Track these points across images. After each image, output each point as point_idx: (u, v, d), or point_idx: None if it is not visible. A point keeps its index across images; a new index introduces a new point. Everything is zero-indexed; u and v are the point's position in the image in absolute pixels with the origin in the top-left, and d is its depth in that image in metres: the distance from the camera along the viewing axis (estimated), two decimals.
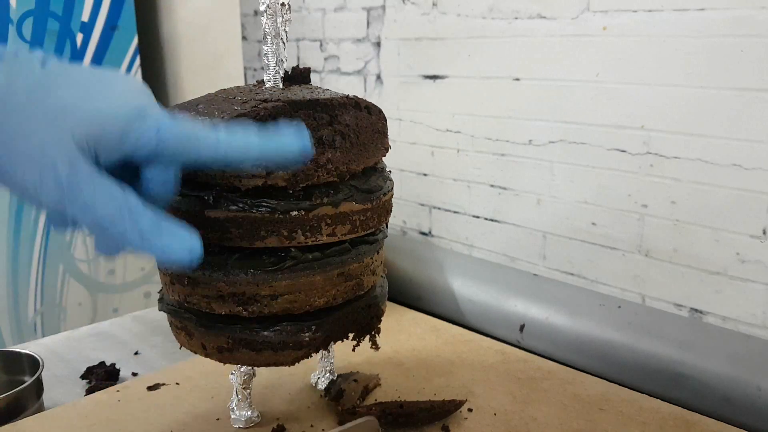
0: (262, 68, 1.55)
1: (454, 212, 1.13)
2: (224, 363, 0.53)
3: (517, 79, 0.98)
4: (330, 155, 0.49)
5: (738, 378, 0.70)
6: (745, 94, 0.75)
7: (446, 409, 0.59)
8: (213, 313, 0.51)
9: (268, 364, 0.53)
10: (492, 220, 1.07)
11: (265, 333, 0.50)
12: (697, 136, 0.80)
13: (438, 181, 1.15)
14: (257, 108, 0.48)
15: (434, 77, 1.11)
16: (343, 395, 0.62)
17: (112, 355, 0.82)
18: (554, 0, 0.92)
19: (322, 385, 0.66)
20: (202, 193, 0.48)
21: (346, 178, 0.51)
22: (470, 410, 0.60)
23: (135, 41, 1.68)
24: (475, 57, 1.04)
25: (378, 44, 1.20)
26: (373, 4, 1.19)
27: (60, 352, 0.84)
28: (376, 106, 0.57)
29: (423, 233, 1.20)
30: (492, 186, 1.06)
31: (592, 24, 0.88)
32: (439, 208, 1.16)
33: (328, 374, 0.66)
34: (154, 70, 1.88)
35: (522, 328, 0.88)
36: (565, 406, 0.61)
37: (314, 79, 1.37)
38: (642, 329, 0.80)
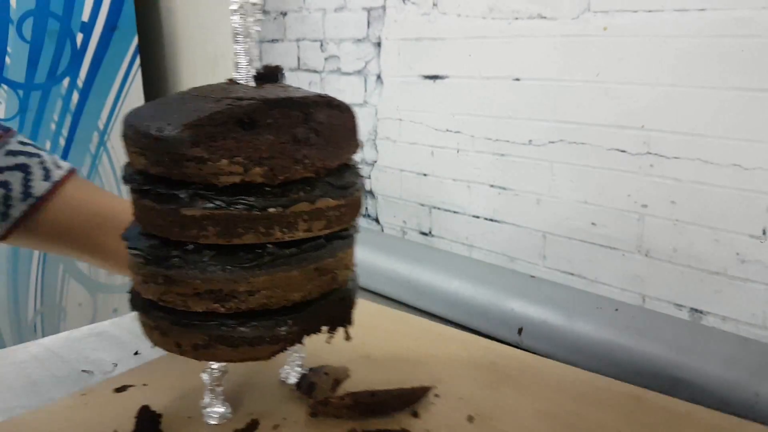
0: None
1: (454, 212, 1.13)
2: (199, 360, 0.53)
3: (517, 79, 0.98)
4: (306, 151, 0.50)
5: (736, 382, 0.70)
6: (746, 94, 0.76)
7: (415, 396, 0.61)
8: (189, 311, 0.51)
9: (244, 359, 0.53)
10: (492, 220, 1.07)
11: (242, 329, 0.51)
12: (698, 136, 0.80)
13: (438, 181, 1.15)
14: (233, 106, 0.48)
15: (434, 77, 1.11)
16: (314, 388, 0.63)
17: (112, 355, 0.82)
18: (554, 0, 0.92)
19: (292, 379, 0.66)
20: (177, 191, 0.48)
21: (321, 175, 0.52)
22: (437, 396, 0.62)
23: (135, 41, 1.68)
24: (475, 57, 1.04)
25: (378, 44, 1.20)
26: (374, 5, 1.19)
27: (60, 352, 0.84)
28: (346, 104, 0.58)
29: (423, 233, 1.20)
30: (492, 186, 1.06)
31: (593, 24, 0.88)
32: (438, 208, 1.16)
33: (298, 368, 0.67)
34: (155, 71, 1.88)
35: (520, 331, 0.88)
36: (528, 389, 0.62)
37: (314, 78, 1.37)
38: (639, 332, 0.80)
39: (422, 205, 1.19)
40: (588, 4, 0.88)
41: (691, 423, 0.56)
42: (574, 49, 0.90)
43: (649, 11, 0.82)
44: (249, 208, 0.48)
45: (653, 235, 0.86)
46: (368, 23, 1.21)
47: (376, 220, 1.29)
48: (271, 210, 0.48)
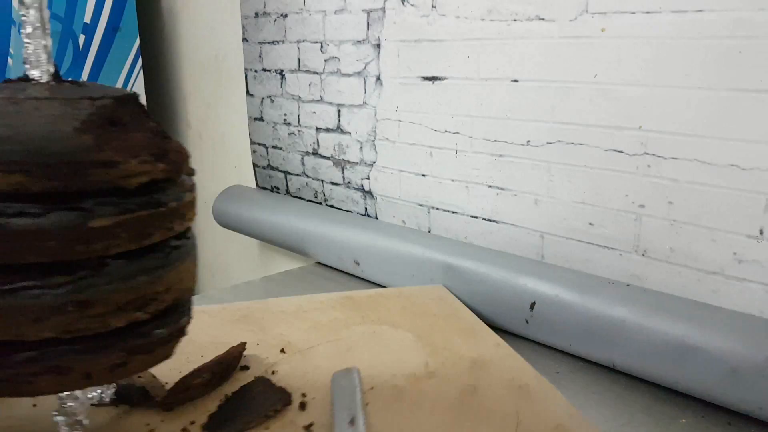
0: (264, 70, 1.54)
1: (453, 212, 1.14)
2: (116, 381, 0.50)
3: (516, 81, 0.99)
4: (175, 144, 0.49)
5: (745, 349, 0.70)
6: (743, 95, 0.76)
7: (240, 352, 0.69)
8: (102, 332, 0.46)
9: (157, 363, 0.51)
10: (490, 220, 1.07)
11: (158, 331, 0.49)
12: (695, 137, 0.81)
13: (436, 182, 1.15)
14: (98, 105, 0.45)
15: (433, 78, 1.11)
16: (146, 391, 0.62)
17: None
18: (553, 2, 0.92)
19: (108, 398, 0.63)
20: (79, 203, 0.43)
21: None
22: (245, 350, 0.72)
23: (137, 43, 1.69)
24: (473, 58, 1.04)
25: (378, 46, 1.21)
26: (373, 6, 1.19)
27: None
28: None
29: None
30: (490, 186, 1.06)
31: (591, 25, 0.88)
32: (437, 209, 1.16)
33: (109, 386, 0.63)
34: (156, 72, 1.88)
35: (533, 306, 0.89)
36: (303, 320, 0.84)
37: (314, 80, 1.38)
38: (650, 304, 0.80)
39: (421, 205, 1.19)
40: (586, 5, 0.88)
41: (381, 298, 0.92)
42: (572, 50, 0.91)
43: (647, 12, 0.82)
44: (157, 206, 0.46)
45: (650, 235, 0.87)
46: (368, 25, 1.21)
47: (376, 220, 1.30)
48: (173, 204, 0.47)
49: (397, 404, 0.64)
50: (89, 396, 0.61)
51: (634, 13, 0.83)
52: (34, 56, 0.47)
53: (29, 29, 0.47)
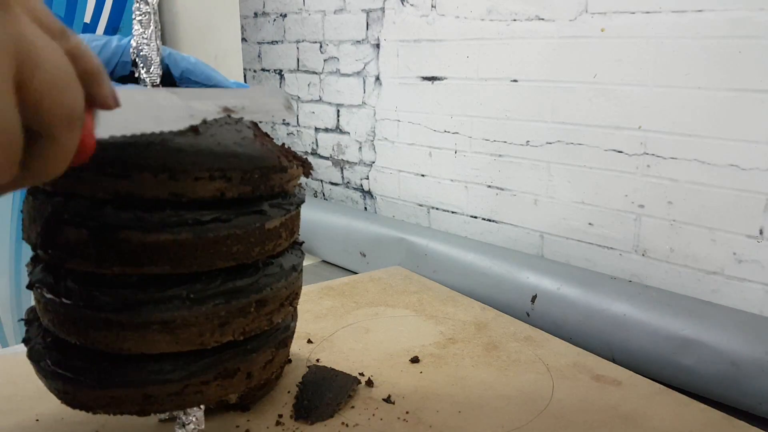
0: (263, 70, 1.55)
1: (452, 212, 1.14)
2: (266, 377, 0.49)
3: (515, 81, 0.99)
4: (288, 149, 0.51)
5: (746, 343, 0.70)
6: (743, 95, 0.76)
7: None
8: (260, 332, 0.46)
9: (288, 355, 0.58)
10: (489, 220, 1.07)
11: (293, 323, 0.53)
12: (694, 137, 0.80)
13: (436, 182, 1.15)
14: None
15: (432, 78, 1.11)
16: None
17: None
18: (552, 2, 0.92)
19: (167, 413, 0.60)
20: (259, 207, 0.43)
21: None
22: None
23: None
24: (473, 58, 1.04)
25: (377, 46, 1.20)
26: (373, 6, 1.19)
27: None
28: None
29: None
30: (489, 186, 1.06)
31: (590, 25, 0.88)
32: (437, 209, 1.16)
33: None
34: None
35: (534, 299, 0.88)
36: (335, 311, 0.87)
37: (314, 80, 1.38)
38: (651, 300, 0.80)
39: (420, 205, 1.19)
40: (585, 5, 0.88)
41: (358, 284, 0.95)
42: (571, 50, 0.91)
43: (647, 12, 0.82)
44: (298, 206, 0.49)
45: (650, 235, 0.87)
46: (367, 25, 1.21)
47: None
48: (302, 203, 0.50)
49: (444, 367, 0.71)
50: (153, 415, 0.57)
51: (633, 13, 0.83)
52: (149, 59, 0.46)
53: (148, 29, 0.45)
